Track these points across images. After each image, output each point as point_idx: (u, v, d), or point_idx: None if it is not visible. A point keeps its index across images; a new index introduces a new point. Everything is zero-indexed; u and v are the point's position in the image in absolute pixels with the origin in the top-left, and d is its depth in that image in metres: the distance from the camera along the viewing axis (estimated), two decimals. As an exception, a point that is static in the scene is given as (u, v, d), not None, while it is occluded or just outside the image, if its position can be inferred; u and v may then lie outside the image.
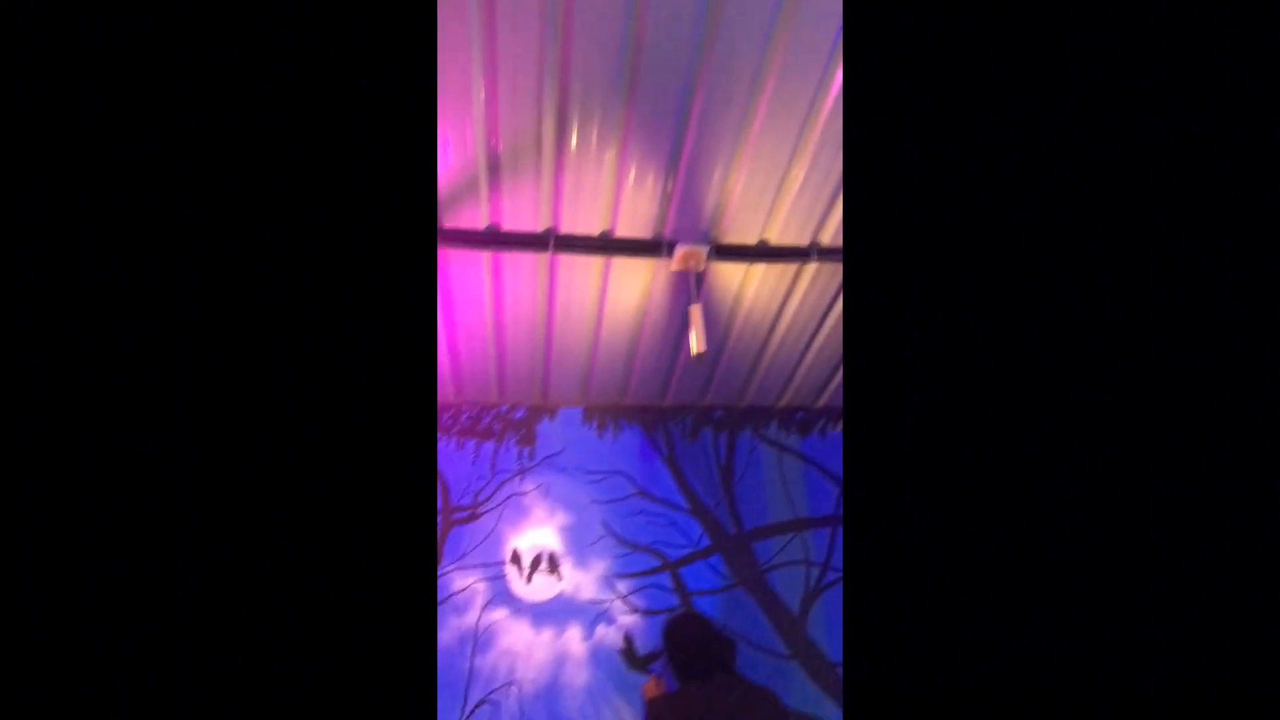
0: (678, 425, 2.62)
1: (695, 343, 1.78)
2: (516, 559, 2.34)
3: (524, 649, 2.22)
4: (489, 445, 2.49)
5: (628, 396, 2.58)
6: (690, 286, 1.92)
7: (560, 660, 2.22)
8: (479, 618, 2.24)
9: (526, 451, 2.50)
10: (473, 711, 2.12)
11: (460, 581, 2.28)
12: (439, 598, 2.25)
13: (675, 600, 2.34)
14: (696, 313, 1.82)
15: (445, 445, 2.47)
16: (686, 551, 2.42)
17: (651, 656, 2.25)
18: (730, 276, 2.02)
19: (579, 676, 2.21)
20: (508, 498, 2.42)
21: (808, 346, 2.32)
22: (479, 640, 2.21)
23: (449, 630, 2.21)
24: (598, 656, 2.23)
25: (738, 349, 2.35)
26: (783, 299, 2.16)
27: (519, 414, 2.56)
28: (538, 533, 2.39)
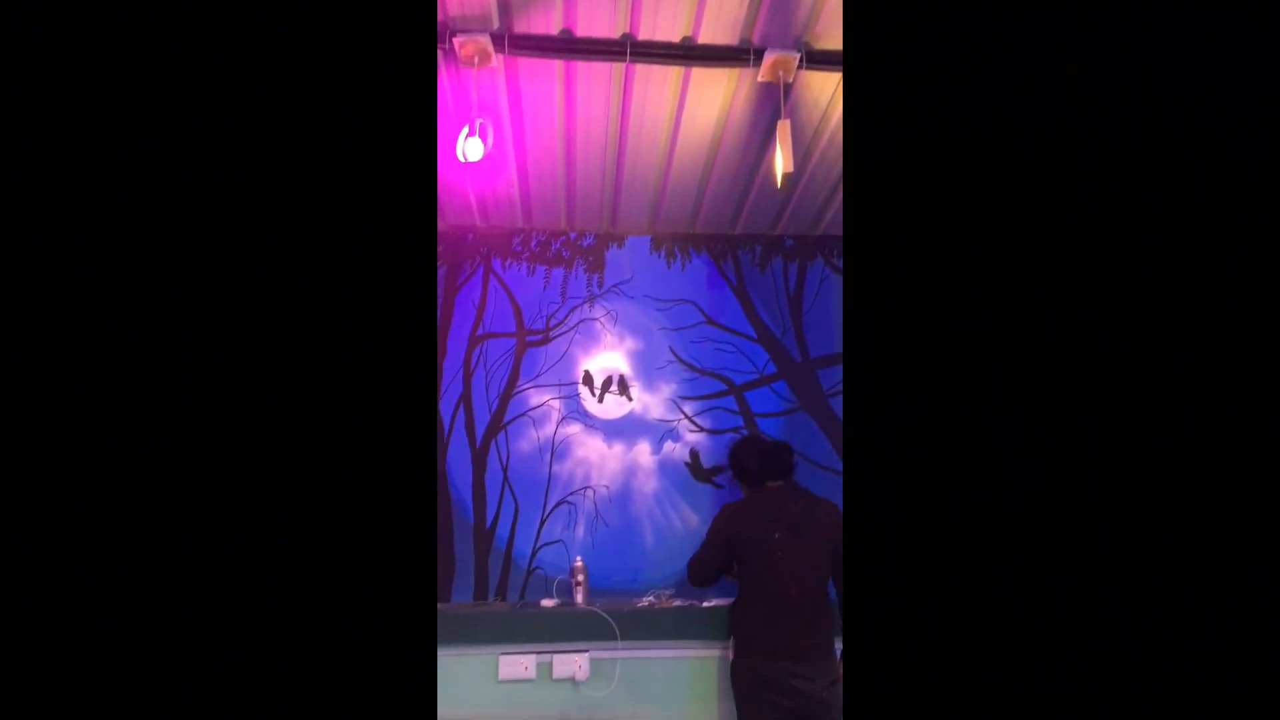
0: (747, 255, 2.61)
1: (782, 162, 1.71)
2: (588, 380, 2.48)
3: (597, 460, 2.43)
4: (559, 271, 2.54)
5: (698, 225, 2.56)
6: (778, 99, 1.81)
7: (631, 470, 2.43)
8: (555, 431, 2.44)
9: (596, 279, 2.55)
10: (553, 510, 2.38)
11: (536, 398, 2.45)
12: (518, 412, 2.44)
13: (740, 421, 2.48)
14: (785, 130, 1.73)
15: (517, 270, 2.54)
16: (752, 377, 2.52)
17: (716, 470, 2.45)
18: (821, 89, 1.89)
19: (648, 484, 2.43)
20: (578, 323, 2.52)
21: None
22: (556, 450, 2.42)
23: (528, 440, 2.42)
24: (665, 468, 2.44)
25: (818, 172, 2.26)
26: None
27: (588, 241, 2.57)
28: (608, 356, 2.50)
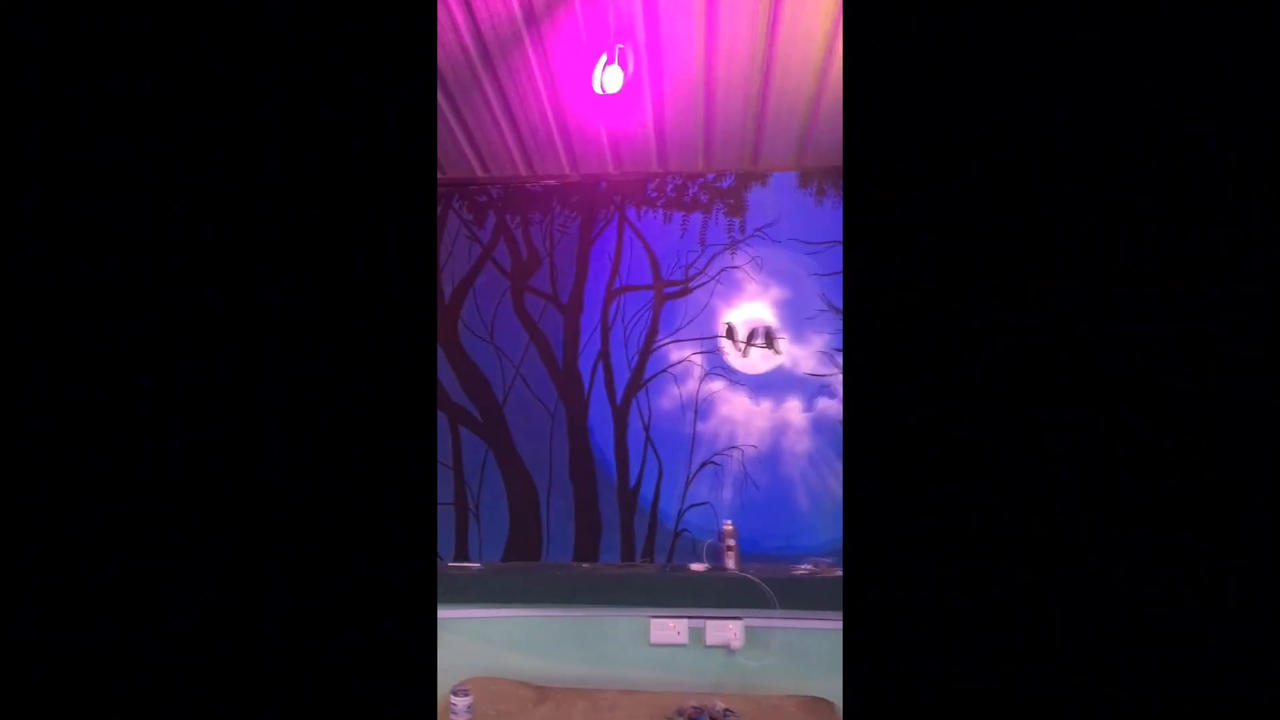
0: (911, 186, 2.34)
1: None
2: (731, 333, 2.35)
3: (743, 418, 2.32)
4: (697, 217, 2.41)
5: (851, 155, 2.31)
6: None
7: (780, 429, 2.30)
8: (698, 388, 2.34)
9: (737, 223, 2.39)
10: (698, 471, 2.30)
11: (677, 354, 2.36)
12: (659, 369, 2.37)
13: (905, 375, 2.26)
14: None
15: (653, 218, 2.43)
16: (918, 326, 2.28)
17: (879, 429, 2.26)
18: None
19: (800, 444, 2.29)
20: (719, 271, 2.38)
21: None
22: (699, 408, 2.33)
23: (669, 397, 2.35)
24: (819, 427, 2.28)
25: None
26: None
27: (727, 182, 2.41)
28: (752, 307, 2.36)
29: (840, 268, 2.33)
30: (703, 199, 2.42)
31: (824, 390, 2.30)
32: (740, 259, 2.38)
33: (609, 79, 1.59)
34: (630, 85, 1.98)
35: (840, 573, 2.06)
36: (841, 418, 2.28)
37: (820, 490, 2.26)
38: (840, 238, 2.34)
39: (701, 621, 2.06)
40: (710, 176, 2.42)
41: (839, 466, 2.26)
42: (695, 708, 1.78)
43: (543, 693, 2.01)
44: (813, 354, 2.32)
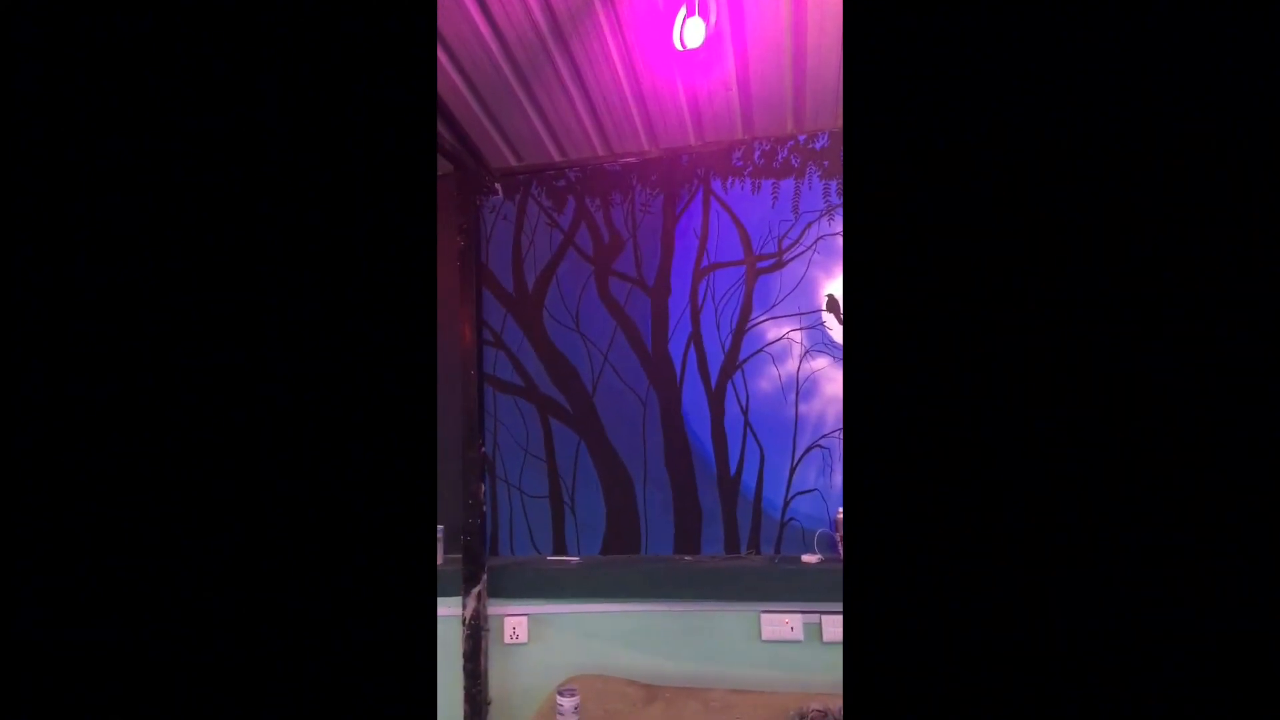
0: (1033, 128, 2.10)
1: None
2: (833, 306, 2.20)
3: (851, 397, 2.16)
4: (789, 183, 2.26)
5: (960, 100, 2.10)
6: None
7: (893, 407, 2.13)
8: (799, 366, 2.20)
9: (834, 185, 2.22)
10: (803, 456, 2.17)
11: (774, 332, 2.23)
12: (755, 348, 2.24)
13: (1037, 341, 2.04)
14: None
15: (740, 189, 2.30)
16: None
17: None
18: None
19: (917, 423, 2.11)
20: (816, 240, 2.23)
21: None
22: (801, 388, 2.19)
23: (768, 378, 2.22)
24: (938, 403, 2.09)
25: None
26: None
27: (820, 143, 2.25)
28: (854, 276, 2.19)
29: (953, 226, 2.13)
30: (794, 163, 2.26)
31: (941, 362, 2.11)
32: (839, 224, 2.21)
33: (690, 33, 1.48)
34: (712, 44, 1.85)
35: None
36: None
37: (942, 472, 2.07)
38: (951, 193, 2.14)
39: (816, 616, 1.93)
40: (802, 139, 2.26)
41: (962, 446, 2.06)
42: (818, 710, 1.67)
43: (651, 691, 1.95)
44: (926, 323, 2.13)
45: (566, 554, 2.31)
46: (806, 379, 2.20)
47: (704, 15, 1.49)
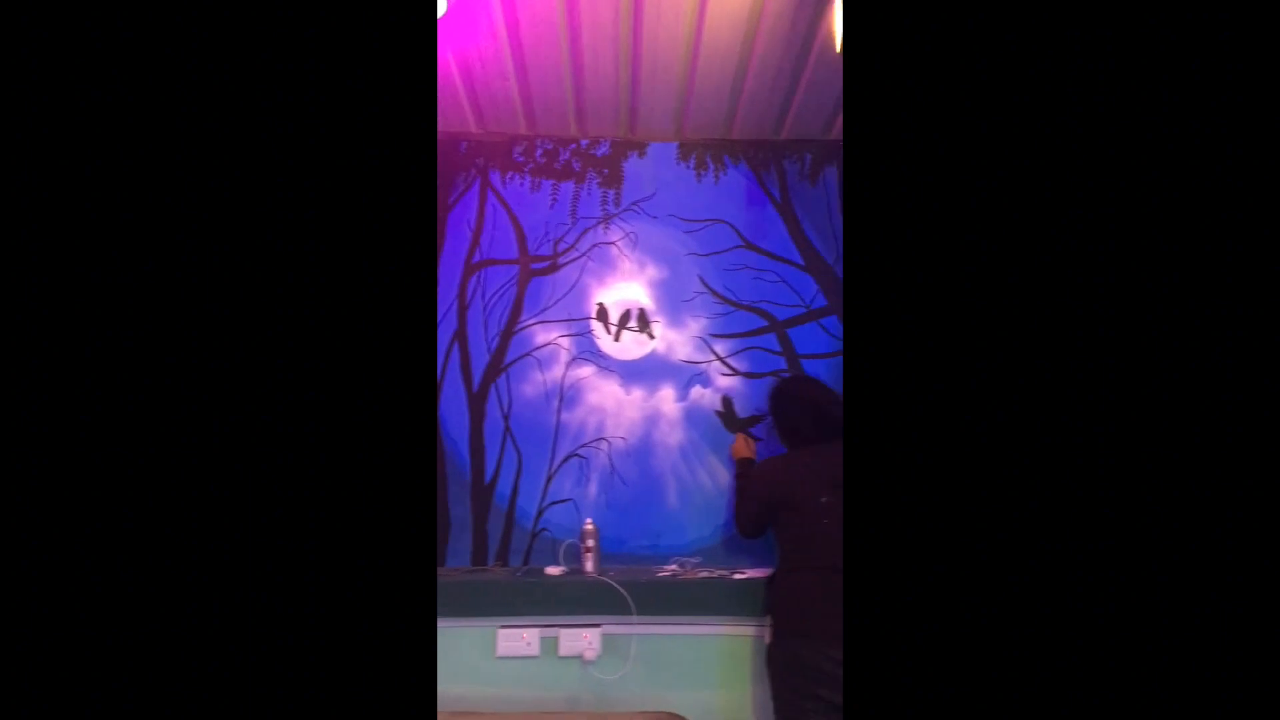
0: (794, 164, 2.27)
1: (838, 31, 1.37)
2: (603, 315, 2.21)
3: (613, 407, 2.17)
4: (568, 186, 2.24)
5: (735, 129, 2.22)
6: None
7: (652, 420, 2.17)
8: (564, 373, 2.18)
9: (612, 194, 2.25)
10: (561, 464, 2.14)
11: (543, 336, 2.19)
12: (522, 352, 2.19)
13: (782, 363, 2.19)
14: (845, -27, 1.38)
15: (519, 185, 2.25)
16: (798, 312, 2.21)
17: (753, 419, 2.17)
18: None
19: (673, 436, 2.17)
20: (591, 247, 2.23)
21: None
22: (565, 396, 2.17)
23: (533, 384, 2.18)
24: (693, 417, 2.17)
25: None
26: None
27: (602, 150, 2.26)
28: (626, 287, 2.22)
29: (721, 248, 2.23)
30: (575, 166, 2.26)
31: (699, 378, 2.19)
32: (614, 234, 2.24)
33: None
34: (488, 40, 1.79)
35: (706, 574, 1.95)
36: (717, 408, 2.17)
37: (691, 486, 2.14)
38: (721, 216, 2.24)
39: (555, 630, 1.89)
40: (584, 142, 2.26)
41: (712, 460, 2.15)
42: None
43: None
44: (689, 339, 2.21)
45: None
46: (571, 386, 2.18)
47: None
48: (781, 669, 1.65)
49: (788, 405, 1.83)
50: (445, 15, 1.46)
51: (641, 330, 2.21)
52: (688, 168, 2.27)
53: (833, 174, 2.26)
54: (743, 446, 2.03)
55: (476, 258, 2.22)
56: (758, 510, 1.77)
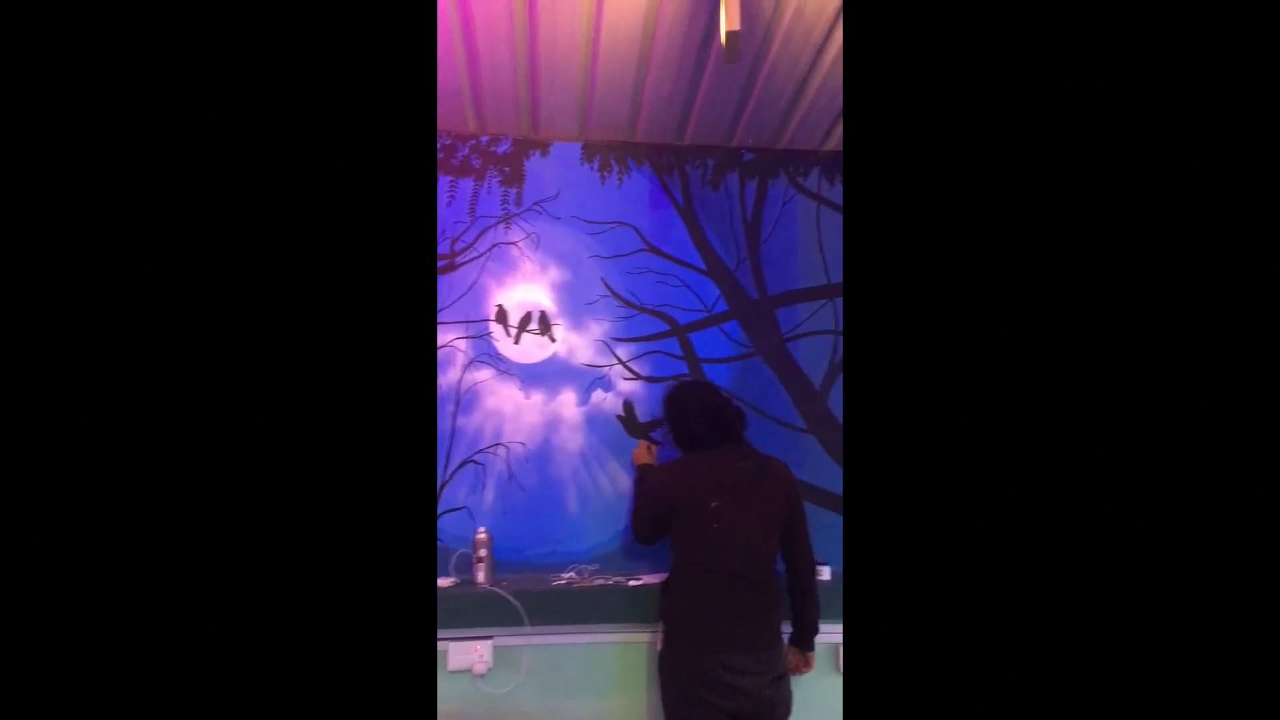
0: (697, 169, 2.28)
1: (726, 20, 1.38)
2: (502, 317, 2.16)
3: (512, 411, 2.13)
4: (467, 183, 2.18)
5: (638, 132, 2.22)
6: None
7: (552, 424, 2.14)
8: (461, 377, 2.12)
9: (513, 194, 2.20)
10: (456, 471, 2.08)
11: (439, 338, 2.12)
12: (415, 354, 2.11)
13: (683, 368, 2.20)
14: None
15: (415, 181, 2.17)
16: (699, 316, 2.22)
17: (653, 424, 2.17)
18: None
19: (573, 441, 2.14)
20: (491, 247, 2.18)
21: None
22: (461, 400, 2.11)
23: (428, 388, 2.10)
24: (594, 422, 2.15)
25: (780, 67, 1.94)
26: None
27: (503, 147, 2.22)
28: (527, 289, 2.18)
29: (624, 250, 2.22)
30: (475, 164, 2.20)
31: (600, 382, 2.17)
32: (515, 235, 2.19)
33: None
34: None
35: (600, 582, 1.93)
36: (618, 412, 2.16)
37: (591, 491, 2.12)
38: (624, 219, 2.23)
39: (444, 644, 1.83)
40: (484, 139, 2.21)
41: (613, 465, 2.13)
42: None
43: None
44: (590, 343, 2.19)
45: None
46: (468, 390, 2.12)
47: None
48: (672, 675, 1.65)
49: (682, 410, 1.83)
50: None
51: (542, 333, 2.17)
52: (592, 169, 2.25)
53: (734, 180, 2.29)
54: (644, 453, 2.02)
55: (368, 255, 2.13)
56: (651, 515, 1.77)
